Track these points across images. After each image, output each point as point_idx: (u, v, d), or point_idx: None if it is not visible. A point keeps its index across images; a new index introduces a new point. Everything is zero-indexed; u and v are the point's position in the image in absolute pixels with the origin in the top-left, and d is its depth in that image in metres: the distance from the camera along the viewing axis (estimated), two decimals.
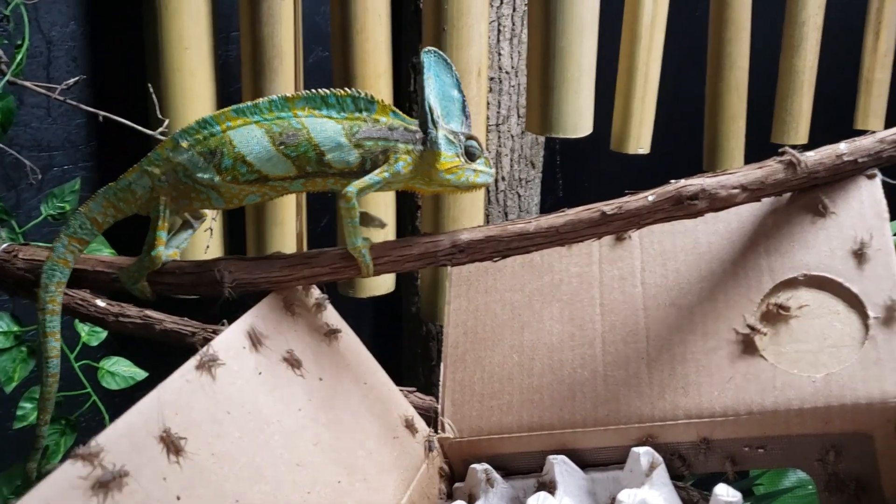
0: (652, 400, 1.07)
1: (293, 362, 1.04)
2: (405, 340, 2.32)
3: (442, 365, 1.22)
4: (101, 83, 1.76)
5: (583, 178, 2.58)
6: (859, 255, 1.06)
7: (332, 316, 1.12)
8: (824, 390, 1.00)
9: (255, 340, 1.01)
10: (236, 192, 1.05)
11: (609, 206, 1.08)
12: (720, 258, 1.12)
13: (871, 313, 1.02)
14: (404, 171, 1.05)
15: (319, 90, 1.05)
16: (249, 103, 1.04)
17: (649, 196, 1.07)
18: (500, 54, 2.22)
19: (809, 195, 1.11)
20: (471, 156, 1.07)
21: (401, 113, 1.07)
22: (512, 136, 2.25)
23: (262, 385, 0.99)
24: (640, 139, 1.96)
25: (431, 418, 1.20)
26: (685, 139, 2.03)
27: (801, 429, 1.01)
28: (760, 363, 1.04)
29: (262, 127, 1.03)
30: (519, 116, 2.24)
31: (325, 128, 1.04)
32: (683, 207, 1.06)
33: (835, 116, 1.98)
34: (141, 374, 1.59)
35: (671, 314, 1.11)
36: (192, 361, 0.93)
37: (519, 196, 2.34)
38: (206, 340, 1.17)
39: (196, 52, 1.65)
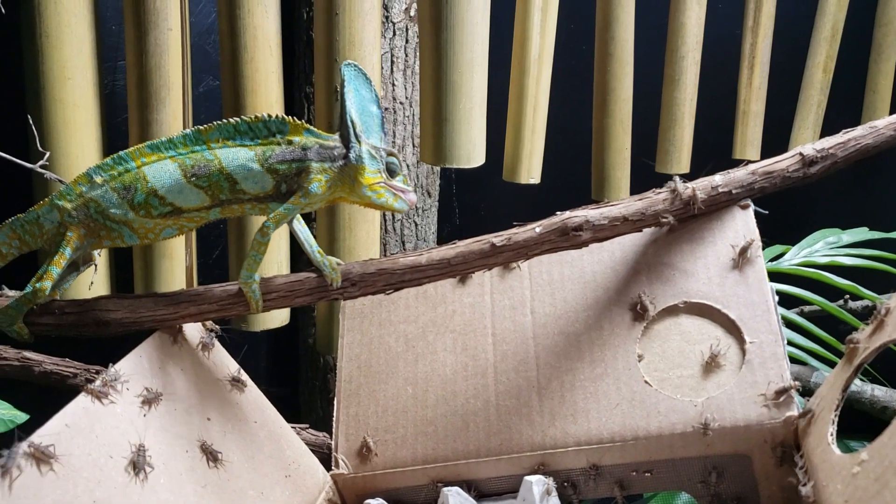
0: (543, 428, 1.09)
1: (179, 403, 1.01)
2: (302, 373, 2.28)
3: (335, 400, 1.21)
4: None
5: (479, 207, 2.61)
6: (736, 282, 1.10)
7: (220, 354, 1.10)
8: (705, 413, 1.03)
9: (139, 381, 0.99)
10: (151, 226, 1.04)
11: (498, 238, 1.10)
12: (605, 287, 1.15)
13: (747, 338, 1.06)
14: (321, 190, 1.05)
15: (231, 119, 1.04)
16: (164, 139, 1.04)
17: (536, 228, 1.10)
18: (393, 85, 2.23)
19: (688, 225, 1.15)
20: (391, 172, 1.07)
21: (315, 130, 1.07)
22: (408, 166, 2.26)
23: (147, 427, 0.96)
24: (531, 169, 1.99)
25: (326, 455, 1.19)
26: (575, 169, 2.08)
27: (684, 452, 1.04)
28: (646, 389, 1.07)
29: (176, 161, 1.03)
30: (414, 146, 2.25)
31: (238, 156, 1.03)
32: (569, 238, 1.09)
33: (715, 146, 2.05)
34: (21, 416, 1.51)
35: (560, 342, 1.14)
36: (72, 405, 0.89)
37: (416, 224, 2.35)
38: (89, 381, 1.13)
39: (80, 82, 1.61)
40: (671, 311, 1.11)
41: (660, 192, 1.13)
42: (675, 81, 1.95)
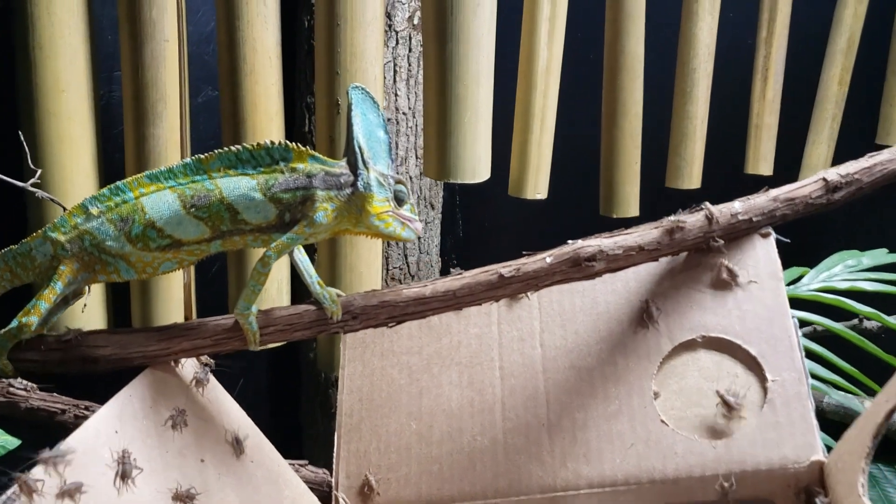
0: (554, 469, 1.04)
1: (171, 444, 0.96)
2: (303, 388, 2.24)
3: (336, 435, 1.15)
4: None
5: (483, 218, 2.57)
6: (756, 316, 1.05)
7: (216, 390, 1.05)
8: (725, 456, 0.98)
9: (129, 422, 0.94)
10: (149, 260, 0.99)
11: (507, 269, 1.05)
12: (619, 318, 1.10)
13: (769, 376, 1.01)
14: (326, 220, 1.00)
15: (232, 147, 1.00)
16: (164, 168, 1.00)
17: (547, 258, 1.05)
18: (396, 95, 2.18)
19: (705, 254, 1.10)
20: (399, 201, 1.03)
21: (321, 156, 1.02)
22: (411, 178, 2.22)
23: (136, 471, 0.91)
24: (537, 185, 1.94)
25: (325, 493, 1.14)
26: (583, 183, 2.03)
27: (703, 496, 0.99)
28: (662, 429, 1.02)
29: (176, 192, 0.99)
30: (417, 157, 2.21)
31: (239, 186, 0.99)
32: (581, 269, 1.04)
33: (726, 161, 2.01)
34: (13, 441, 1.47)
35: (571, 377, 1.09)
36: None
37: (419, 238, 2.30)
38: (78, 418, 1.09)
39: (74, 94, 1.56)
40: (688, 345, 1.06)
41: (676, 220, 1.07)
42: (687, 94, 1.90)
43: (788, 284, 1.54)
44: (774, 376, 1.01)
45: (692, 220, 1.07)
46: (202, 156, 0.99)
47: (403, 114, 2.18)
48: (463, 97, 1.63)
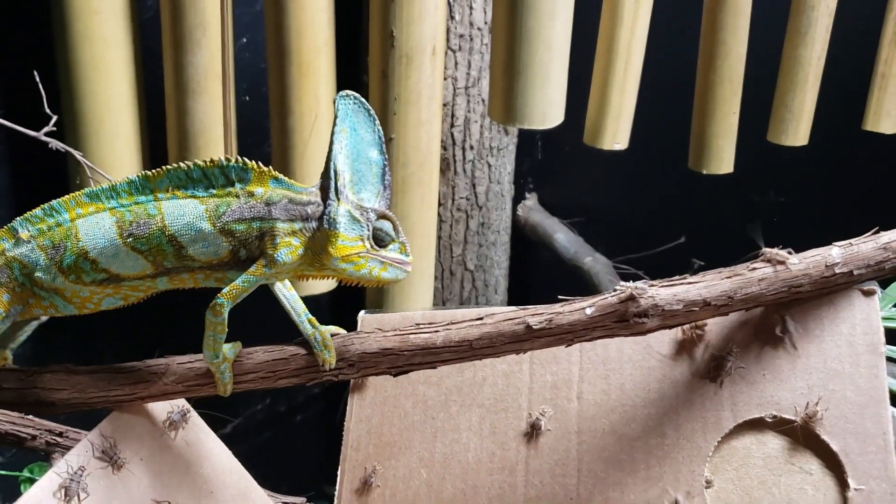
0: None
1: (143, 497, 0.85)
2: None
3: (339, 470, 1.02)
4: (3, 59, 1.52)
5: (563, 142, 2.36)
6: (844, 399, 0.84)
7: (194, 430, 0.92)
8: None
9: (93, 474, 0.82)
10: (87, 295, 0.85)
11: (536, 318, 0.86)
12: (673, 378, 0.91)
13: (852, 482, 0.81)
14: (291, 258, 0.82)
15: (182, 163, 0.83)
16: (106, 185, 0.84)
17: (587, 308, 0.86)
18: (471, 8, 1.97)
19: (788, 309, 0.88)
20: (379, 241, 0.84)
21: (287, 180, 0.84)
22: (482, 101, 2.02)
23: None
24: (617, 134, 1.73)
25: None
26: (668, 134, 1.81)
27: None
28: None
29: (115, 215, 0.83)
30: None
31: (185, 212, 0.82)
32: (629, 326, 0.85)
33: (842, 115, 1.73)
34: None
35: (609, 444, 0.91)
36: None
37: (489, 166, 2.13)
38: (49, 444, 0.98)
39: (108, 14, 1.43)
40: (755, 425, 0.87)
41: (755, 269, 0.86)
42: (801, 35, 1.62)
43: None
44: (859, 483, 0.81)
45: (773, 270, 0.85)
46: (150, 172, 0.82)
47: (478, 29, 1.98)
48: (535, 31, 1.44)
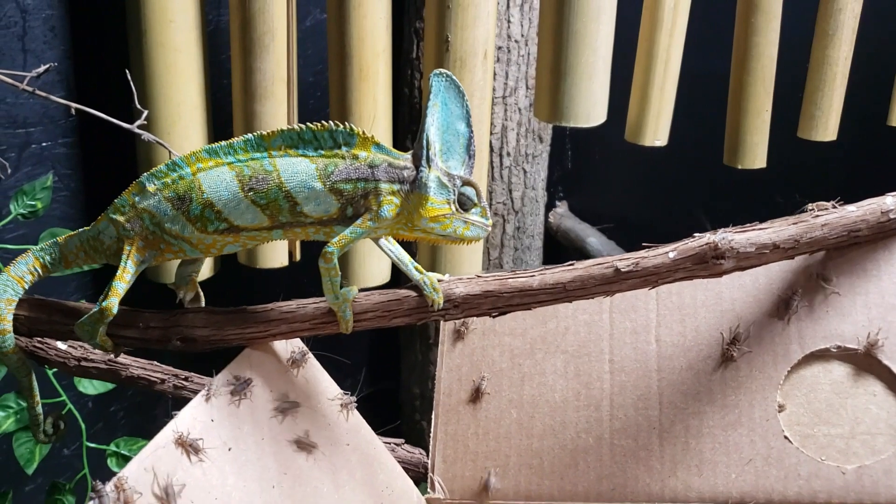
0: (662, 477, 0.98)
1: (266, 430, 0.94)
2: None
3: (433, 414, 1.11)
4: (82, 58, 1.62)
5: (594, 151, 2.46)
6: None
7: (313, 369, 1.02)
8: (856, 484, 0.90)
9: (224, 408, 0.92)
10: (210, 242, 0.95)
11: (624, 262, 0.96)
12: (744, 318, 1.01)
13: None
14: (391, 214, 0.92)
15: (295, 125, 0.93)
16: (224, 143, 0.93)
17: (670, 252, 0.96)
18: (509, 21, 2.08)
19: (847, 253, 0.99)
20: (463, 205, 0.94)
21: (385, 146, 0.94)
22: (519, 110, 2.13)
23: (232, 463, 0.89)
24: (657, 131, 1.82)
25: (421, 474, 1.11)
26: (705, 130, 1.90)
27: None
28: (785, 446, 0.94)
29: (234, 169, 0.92)
30: (528, 88, 2.12)
31: (298, 170, 0.92)
32: (708, 267, 0.95)
33: (868, 111, 1.83)
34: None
35: (688, 379, 1.01)
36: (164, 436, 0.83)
37: (525, 172, 2.23)
38: (177, 388, 1.08)
39: (182, 24, 1.53)
40: (821, 355, 0.97)
41: (819, 215, 0.97)
42: (829, 37, 1.72)
43: None
44: None
45: (835, 216, 0.96)
46: (264, 132, 0.92)
47: (516, 41, 2.09)
48: (581, 34, 1.54)
